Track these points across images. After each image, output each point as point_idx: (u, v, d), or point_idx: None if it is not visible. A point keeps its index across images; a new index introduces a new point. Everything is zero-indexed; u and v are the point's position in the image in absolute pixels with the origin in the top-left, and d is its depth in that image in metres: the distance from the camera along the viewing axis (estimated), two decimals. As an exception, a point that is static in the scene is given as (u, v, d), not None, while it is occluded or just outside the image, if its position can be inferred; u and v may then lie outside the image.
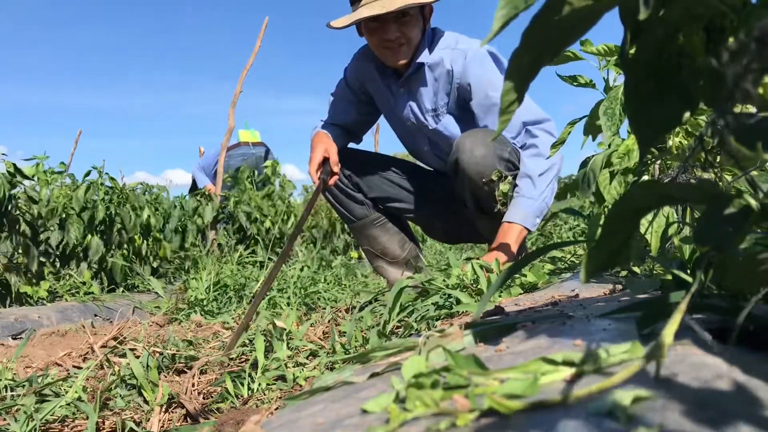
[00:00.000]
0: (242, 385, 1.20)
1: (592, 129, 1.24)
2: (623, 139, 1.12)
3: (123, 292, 3.04)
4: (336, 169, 2.01)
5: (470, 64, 1.99)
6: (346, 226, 5.18)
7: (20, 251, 2.73)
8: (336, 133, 2.26)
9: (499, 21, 0.42)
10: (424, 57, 2.05)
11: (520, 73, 0.47)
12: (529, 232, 1.90)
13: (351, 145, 2.38)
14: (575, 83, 1.26)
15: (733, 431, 0.29)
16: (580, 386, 0.36)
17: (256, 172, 5.18)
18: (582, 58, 1.20)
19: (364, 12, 1.91)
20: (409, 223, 2.44)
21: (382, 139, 9.07)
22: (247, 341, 1.53)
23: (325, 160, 2.02)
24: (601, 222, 0.98)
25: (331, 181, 2.03)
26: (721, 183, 0.83)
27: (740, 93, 0.36)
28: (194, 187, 5.69)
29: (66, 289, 2.81)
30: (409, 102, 2.15)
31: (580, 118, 1.28)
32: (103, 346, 1.64)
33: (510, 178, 1.90)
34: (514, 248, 1.85)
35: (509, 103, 0.48)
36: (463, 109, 2.07)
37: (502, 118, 0.50)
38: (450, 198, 2.23)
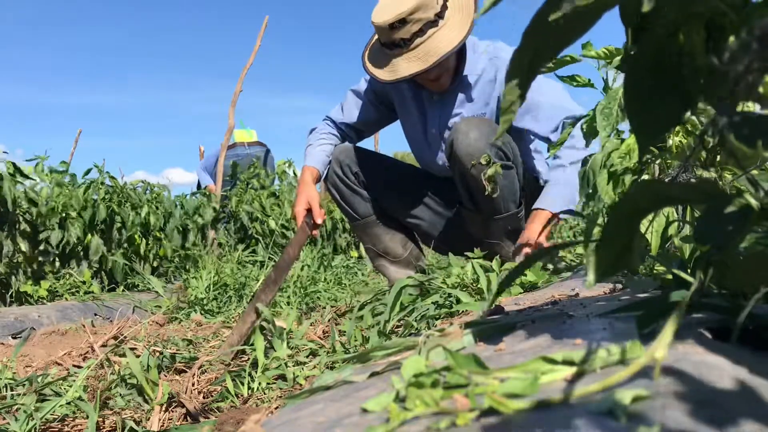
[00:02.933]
0: (242, 384, 1.20)
1: (591, 129, 1.24)
2: (623, 140, 1.12)
3: (123, 291, 3.05)
4: (318, 221, 1.95)
5: None
6: (348, 224, 5.20)
7: (20, 250, 2.73)
8: (338, 136, 2.28)
9: None
10: (468, 69, 2.05)
11: (522, 72, 0.47)
12: (558, 218, 1.88)
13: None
14: (574, 83, 1.26)
15: (733, 430, 0.29)
16: (581, 385, 0.36)
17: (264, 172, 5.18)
18: (579, 60, 1.20)
19: (403, 67, 1.90)
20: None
21: (382, 138, 9.08)
22: (247, 340, 1.53)
23: (308, 211, 1.98)
24: (601, 222, 0.98)
25: (314, 232, 1.96)
26: (721, 182, 0.83)
27: (741, 92, 0.36)
28: (199, 187, 5.72)
29: (66, 288, 2.81)
30: (442, 110, 2.14)
31: (579, 118, 1.28)
32: (103, 346, 1.64)
33: (498, 163, 1.90)
34: (538, 232, 1.84)
35: (511, 103, 0.48)
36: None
37: (503, 117, 0.50)
38: (452, 207, 2.24)
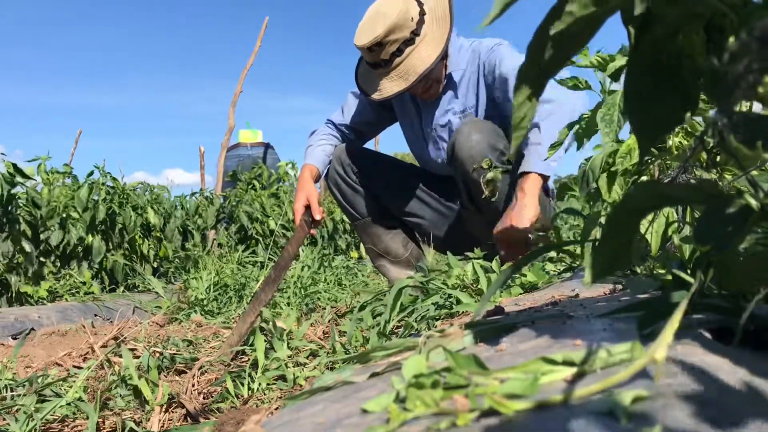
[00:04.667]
0: (242, 384, 1.20)
1: (587, 132, 1.24)
2: (621, 141, 1.12)
3: (123, 291, 3.05)
4: (317, 217, 1.94)
5: (495, 54, 2.01)
6: (348, 225, 5.19)
7: (20, 251, 2.73)
8: (339, 138, 2.28)
9: (499, 5, 0.43)
10: (452, 68, 2.08)
11: (528, 86, 0.47)
12: (545, 177, 1.80)
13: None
14: (570, 86, 1.26)
15: (734, 430, 0.29)
16: (581, 386, 0.36)
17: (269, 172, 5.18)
18: (577, 64, 1.20)
19: (387, 86, 1.95)
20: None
21: (382, 139, 9.09)
22: (247, 341, 1.53)
23: (307, 208, 1.98)
24: (600, 222, 0.98)
25: (312, 231, 1.96)
26: (721, 183, 0.83)
27: (741, 93, 0.36)
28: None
29: (66, 289, 2.81)
30: (436, 109, 2.16)
31: (578, 120, 1.28)
32: (103, 346, 1.64)
33: (499, 168, 1.90)
34: (532, 196, 1.77)
35: (521, 119, 0.48)
36: (491, 115, 2.09)
37: (515, 134, 0.49)
38: (453, 207, 2.24)
